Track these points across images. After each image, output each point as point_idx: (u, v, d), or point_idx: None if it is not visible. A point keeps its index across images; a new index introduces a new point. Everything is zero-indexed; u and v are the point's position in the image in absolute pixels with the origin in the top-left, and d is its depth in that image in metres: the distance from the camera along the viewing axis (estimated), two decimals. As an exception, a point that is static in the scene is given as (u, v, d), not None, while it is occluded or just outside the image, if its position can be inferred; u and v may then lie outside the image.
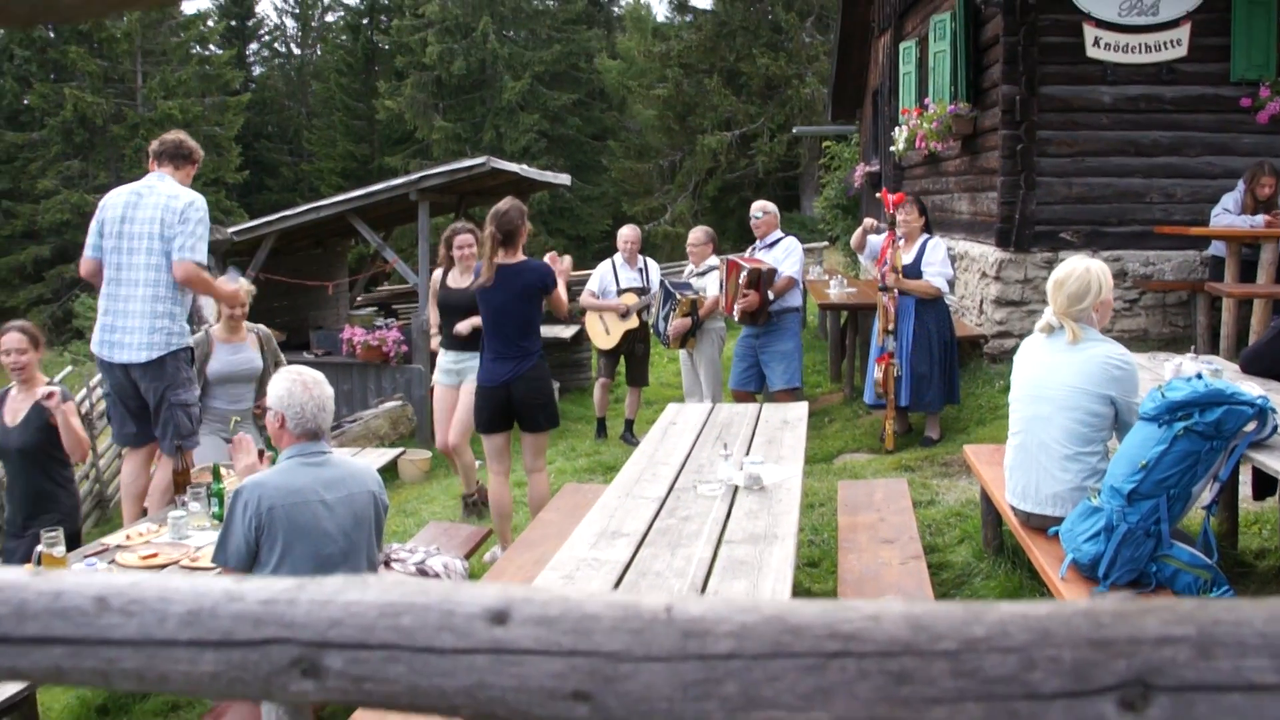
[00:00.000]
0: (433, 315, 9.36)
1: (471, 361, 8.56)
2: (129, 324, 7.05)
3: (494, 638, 1.20)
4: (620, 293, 11.18)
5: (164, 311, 7.05)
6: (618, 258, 11.39)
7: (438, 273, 9.21)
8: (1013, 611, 1.13)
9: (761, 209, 10.35)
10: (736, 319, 9.86)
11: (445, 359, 9.00)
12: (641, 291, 11.17)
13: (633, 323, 11.12)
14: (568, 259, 7.94)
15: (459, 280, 8.82)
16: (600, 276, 11.40)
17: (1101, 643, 1.09)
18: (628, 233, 11.51)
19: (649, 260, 11.59)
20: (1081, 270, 5.13)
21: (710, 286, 10.44)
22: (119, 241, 7.08)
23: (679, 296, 10.29)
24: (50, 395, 6.63)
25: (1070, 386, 5.07)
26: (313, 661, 1.23)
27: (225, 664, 1.25)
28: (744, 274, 9.56)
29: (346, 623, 1.23)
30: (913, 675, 1.12)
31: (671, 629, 1.17)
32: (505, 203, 7.47)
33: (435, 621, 1.21)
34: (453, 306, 8.79)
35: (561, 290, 7.56)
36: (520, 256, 7.42)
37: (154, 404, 7.20)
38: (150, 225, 7.01)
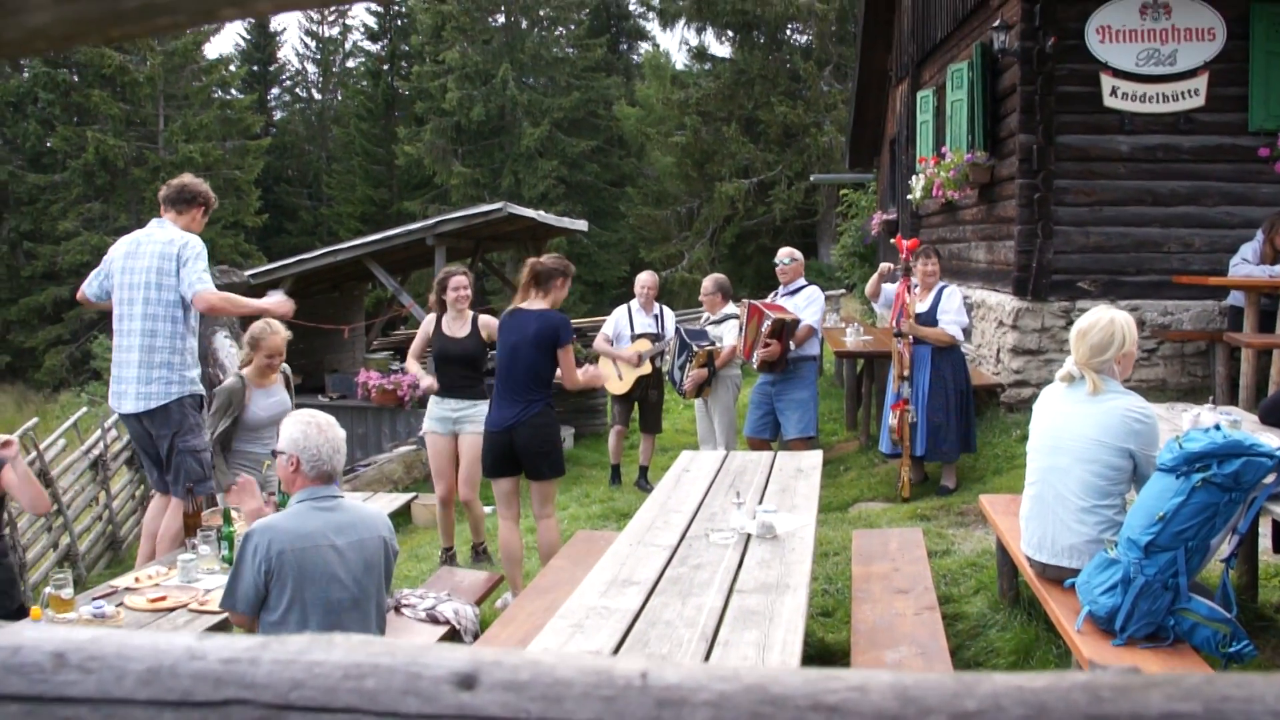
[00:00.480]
0: (412, 365, 9.24)
1: (469, 410, 8.60)
2: (128, 374, 7.11)
3: (460, 703, 1.14)
4: (634, 337, 11.20)
5: (161, 361, 7.06)
6: (634, 303, 11.42)
7: (429, 318, 9.05)
8: (1007, 684, 1.07)
9: (789, 255, 10.41)
10: (755, 367, 9.85)
11: (440, 407, 8.78)
12: (656, 338, 11.19)
13: (645, 369, 11.11)
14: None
15: (454, 327, 8.76)
16: (615, 321, 11.44)
17: (1100, 718, 1.04)
18: (645, 278, 11.54)
19: (665, 307, 11.61)
20: (1106, 321, 5.09)
21: (727, 335, 10.44)
22: (120, 292, 7.16)
23: (695, 348, 10.27)
24: (7, 444, 6.38)
25: (1089, 439, 5.02)
26: None
27: None
28: (768, 323, 9.54)
29: (309, 684, 1.17)
30: None
31: (646, 697, 1.11)
32: (553, 256, 7.77)
33: (400, 685, 1.15)
34: (453, 357, 8.71)
35: (570, 360, 7.60)
36: (544, 305, 7.47)
37: (165, 451, 7.21)
38: (146, 275, 7.05)
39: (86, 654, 1.22)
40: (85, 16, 0.91)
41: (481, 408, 8.40)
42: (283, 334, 7.71)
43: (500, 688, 1.13)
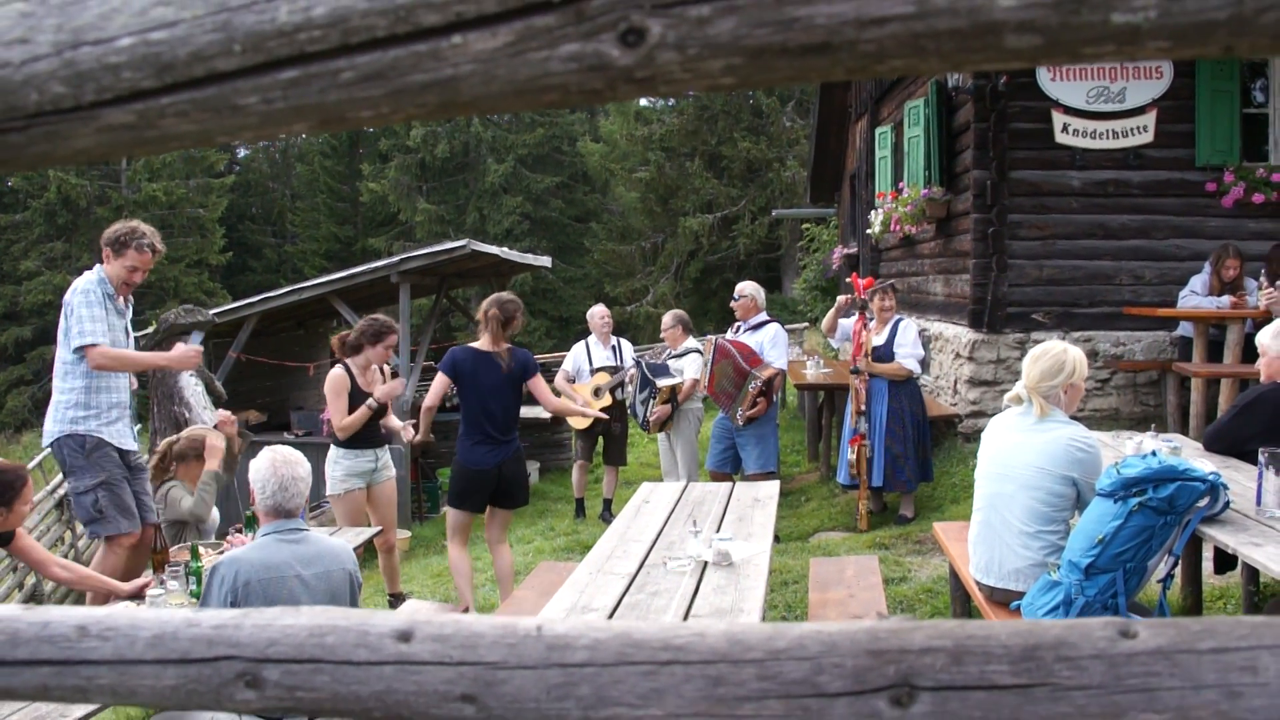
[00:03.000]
0: (338, 411, 8.34)
1: (386, 457, 8.58)
2: None
3: (399, 652, 1.45)
4: (594, 372, 11.33)
5: (58, 401, 7.11)
6: (591, 338, 11.55)
7: (338, 373, 8.42)
8: (810, 629, 1.38)
9: (739, 292, 10.32)
10: (740, 423, 9.85)
11: (360, 460, 8.39)
12: (615, 370, 11.30)
13: (606, 401, 11.22)
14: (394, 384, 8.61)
15: (368, 378, 8.49)
16: (574, 357, 11.58)
17: (877, 652, 1.34)
18: (599, 311, 11.69)
19: (622, 339, 11.74)
20: (1059, 350, 5.28)
21: (688, 368, 10.53)
22: None
23: (658, 385, 10.37)
24: None
25: (1033, 467, 5.17)
26: (255, 674, 1.49)
27: (183, 678, 1.51)
28: (756, 383, 9.54)
29: (282, 642, 1.48)
30: (727, 679, 1.37)
31: (539, 643, 1.43)
32: (505, 294, 8.05)
33: (353, 640, 1.47)
34: (375, 415, 8.45)
35: (545, 388, 8.13)
36: (503, 344, 7.84)
37: None
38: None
39: (104, 625, 1.56)
40: (117, 142, 1.16)
41: (389, 452, 8.59)
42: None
43: (430, 639, 1.46)
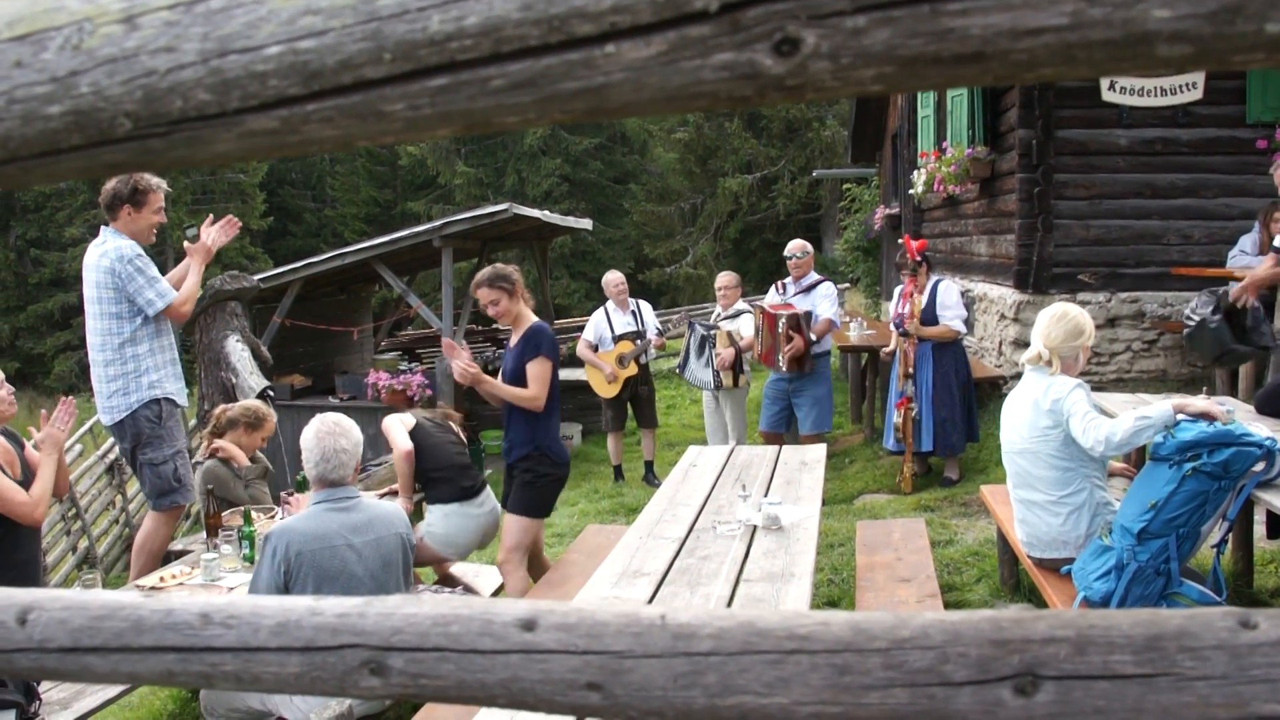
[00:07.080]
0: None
1: None
2: (96, 387, 7.08)
3: (524, 641, 1.50)
4: (616, 339, 11.30)
5: (116, 374, 6.94)
6: (610, 305, 11.52)
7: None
8: (934, 618, 1.42)
9: (802, 249, 10.38)
10: (784, 368, 9.85)
11: None
12: (638, 335, 11.28)
13: (631, 370, 11.23)
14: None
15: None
16: (595, 326, 11.58)
17: (1000, 642, 1.37)
18: (613, 278, 11.66)
19: (641, 303, 11.72)
20: (1077, 312, 5.36)
21: (743, 328, 10.51)
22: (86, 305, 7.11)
23: (710, 333, 10.41)
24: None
25: (1027, 437, 5.29)
26: (379, 662, 1.53)
27: (308, 665, 1.55)
28: (783, 322, 9.62)
29: (406, 630, 1.53)
30: (853, 667, 1.40)
31: (665, 632, 1.47)
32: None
33: (477, 629, 1.52)
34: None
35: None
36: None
37: (130, 463, 7.27)
38: (90, 289, 7.01)
39: (227, 613, 1.60)
40: (257, 146, 1.19)
41: None
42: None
43: (554, 628, 1.50)
